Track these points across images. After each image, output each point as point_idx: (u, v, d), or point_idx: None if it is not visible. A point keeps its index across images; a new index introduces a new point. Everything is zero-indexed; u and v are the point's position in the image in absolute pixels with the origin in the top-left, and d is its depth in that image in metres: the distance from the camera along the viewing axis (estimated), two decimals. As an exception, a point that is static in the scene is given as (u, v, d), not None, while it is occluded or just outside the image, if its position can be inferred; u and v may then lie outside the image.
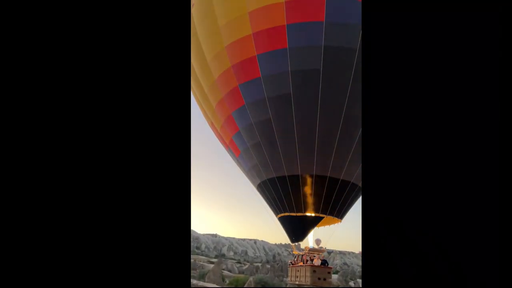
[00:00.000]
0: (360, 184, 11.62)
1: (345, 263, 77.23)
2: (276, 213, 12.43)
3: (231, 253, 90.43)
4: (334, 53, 9.88)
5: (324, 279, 10.59)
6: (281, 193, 11.77)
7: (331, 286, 10.74)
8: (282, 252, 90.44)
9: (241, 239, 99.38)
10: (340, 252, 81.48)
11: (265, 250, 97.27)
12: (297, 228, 11.72)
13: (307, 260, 11.27)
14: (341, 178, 11.12)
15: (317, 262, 10.87)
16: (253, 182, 13.18)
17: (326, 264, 11.14)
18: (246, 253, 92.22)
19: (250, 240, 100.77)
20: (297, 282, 11.46)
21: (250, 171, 12.82)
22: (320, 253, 11.44)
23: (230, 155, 13.71)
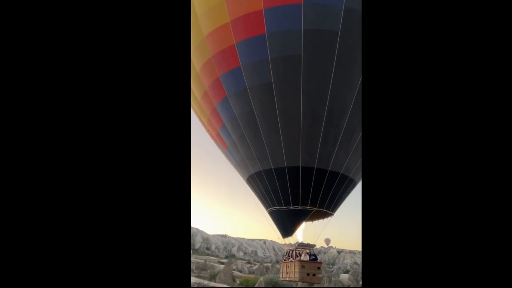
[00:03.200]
0: (350, 175, 11.14)
1: (355, 263, 76.04)
2: (266, 207, 12.02)
3: (241, 254, 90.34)
4: (314, 36, 9.42)
5: (314, 275, 10.15)
6: (269, 187, 11.35)
7: (321, 282, 10.28)
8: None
9: (251, 240, 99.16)
10: (350, 252, 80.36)
11: (274, 250, 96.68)
12: (286, 223, 11.27)
13: (296, 256, 10.84)
14: (329, 169, 10.65)
15: (304, 257, 10.42)
16: (242, 177, 12.80)
17: (316, 259, 10.66)
18: (255, 253, 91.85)
19: (260, 240, 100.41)
20: (287, 279, 11.05)
21: (239, 165, 12.44)
22: (310, 248, 10.98)
23: (219, 149, 13.35)
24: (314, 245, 11.19)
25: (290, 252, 11.43)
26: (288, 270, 10.98)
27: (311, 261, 10.45)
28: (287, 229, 11.30)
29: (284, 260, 11.67)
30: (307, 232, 12.18)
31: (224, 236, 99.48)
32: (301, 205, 10.84)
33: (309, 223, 12.28)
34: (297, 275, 10.16)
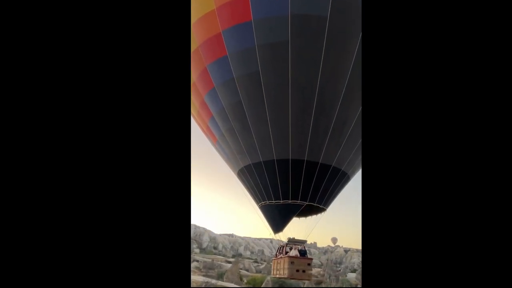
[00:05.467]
0: (342, 168, 10.69)
1: (363, 261, 74.94)
2: (257, 202, 11.65)
3: (248, 253, 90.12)
4: (302, 22, 9.02)
5: (303, 271, 9.76)
6: (258, 181, 10.98)
7: (311, 279, 9.89)
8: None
9: (257, 239, 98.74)
10: (357, 251, 79.39)
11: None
12: (276, 217, 10.89)
13: (286, 252, 10.46)
14: (319, 161, 10.22)
15: (292, 252, 10.04)
16: (233, 171, 12.44)
17: (305, 255, 10.27)
18: (262, 252, 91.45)
19: (266, 239, 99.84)
20: (277, 276, 10.69)
21: (229, 159, 12.10)
22: (300, 244, 10.58)
23: (210, 142, 13.02)
24: (305, 241, 10.79)
25: (281, 248, 11.06)
26: (278, 267, 10.62)
27: (301, 257, 10.06)
28: (277, 224, 10.91)
29: (275, 257, 11.31)
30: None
31: (231, 235, 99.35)
32: (291, 200, 10.44)
33: (303, 218, 11.90)
34: (286, 271, 9.79)
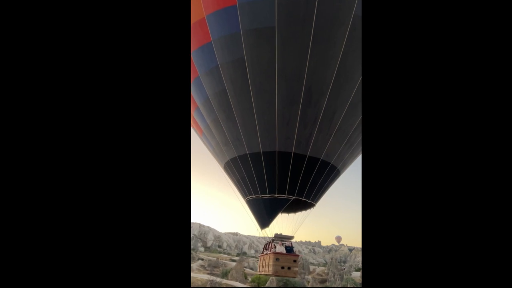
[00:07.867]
0: (331, 162, 10.19)
1: (367, 261, 74.09)
2: (244, 196, 11.22)
3: (252, 251, 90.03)
4: (290, 6, 8.53)
5: (289, 268, 9.31)
6: (244, 174, 10.54)
7: (296, 276, 9.45)
8: (303, 250, 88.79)
9: (262, 237, 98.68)
10: (362, 250, 78.79)
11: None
12: (262, 212, 10.43)
13: (272, 248, 10.02)
14: (307, 154, 9.74)
15: (279, 249, 9.59)
16: (220, 164, 12.02)
17: (292, 251, 9.81)
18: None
19: (270, 238, 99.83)
20: (263, 273, 10.26)
21: (215, 152, 11.67)
22: (287, 240, 10.12)
23: (196, 134, 12.61)
24: (292, 237, 10.34)
25: (267, 244, 10.62)
26: (264, 264, 10.19)
27: (287, 253, 9.61)
28: (264, 219, 10.45)
29: (261, 253, 10.88)
30: (296, 224, 11.32)
31: (236, 234, 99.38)
32: (278, 194, 9.99)
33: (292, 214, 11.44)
34: (271, 268, 9.36)
